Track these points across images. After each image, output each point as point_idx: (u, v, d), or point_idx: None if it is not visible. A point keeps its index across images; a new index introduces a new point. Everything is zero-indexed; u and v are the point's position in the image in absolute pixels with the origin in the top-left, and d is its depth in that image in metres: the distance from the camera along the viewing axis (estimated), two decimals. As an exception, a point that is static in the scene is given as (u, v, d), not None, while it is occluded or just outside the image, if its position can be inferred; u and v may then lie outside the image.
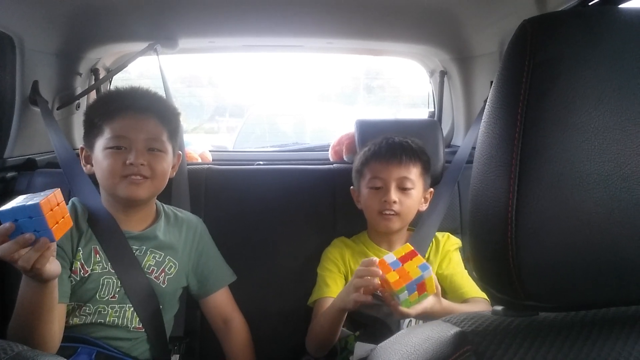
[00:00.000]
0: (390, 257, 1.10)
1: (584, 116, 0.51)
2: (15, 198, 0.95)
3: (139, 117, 1.30)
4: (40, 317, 1.06)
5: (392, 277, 1.07)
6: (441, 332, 0.58)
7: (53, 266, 0.99)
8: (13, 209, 0.91)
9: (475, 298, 1.34)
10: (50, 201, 0.93)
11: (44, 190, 0.97)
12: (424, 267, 1.07)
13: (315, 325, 1.36)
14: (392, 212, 1.39)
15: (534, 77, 0.52)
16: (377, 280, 1.10)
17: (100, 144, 1.29)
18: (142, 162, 1.26)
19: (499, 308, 0.61)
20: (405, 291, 1.07)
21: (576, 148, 0.51)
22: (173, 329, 1.42)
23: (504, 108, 0.54)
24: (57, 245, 1.18)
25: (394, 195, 1.39)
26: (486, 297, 1.34)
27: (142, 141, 1.28)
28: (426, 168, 1.47)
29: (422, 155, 1.46)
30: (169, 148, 1.34)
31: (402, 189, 1.40)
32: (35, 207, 0.90)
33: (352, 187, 1.54)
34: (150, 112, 1.31)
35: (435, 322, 0.64)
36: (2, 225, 0.92)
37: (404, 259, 1.09)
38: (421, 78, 2.37)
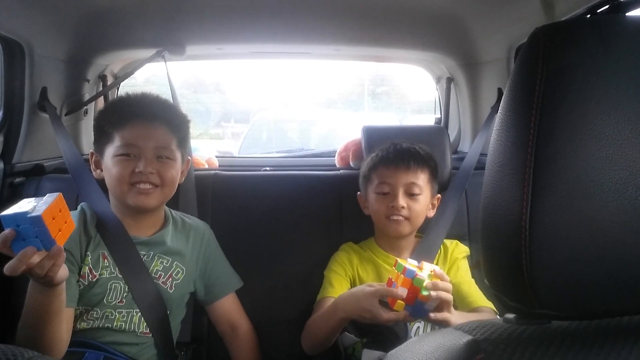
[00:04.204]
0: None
1: (599, 124, 0.50)
2: (20, 201, 0.95)
3: (148, 125, 1.30)
4: (48, 320, 1.06)
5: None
6: (453, 340, 0.58)
7: (62, 271, 0.99)
8: (16, 215, 0.90)
9: (482, 307, 1.34)
10: (52, 210, 0.92)
11: None
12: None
13: (312, 323, 1.36)
14: (401, 217, 1.38)
15: (548, 84, 0.52)
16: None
17: (110, 151, 1.29)
18: (151, 171, 1.26)
19: (510, 316, 0.60)
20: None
21: (591, 156, 0.50)
22: (180, 335, 1.42)
23: (516, 115, 0.54)
24: (66, 250, 1.19)
25: (402, 200, 1.38)
26: (493, 306, 1.34)
27: (151, 149, 1.28)
28: (434, 174, 1.47)
29: (429, 162, 1.46)
30: (178, 155, 1.34)
31: (410, 195, 1.40)
32: (38, 219, 0.89)
33: (359, 192, 1.54)
34: (160, 120, 1.32)
35: (446, 329, 0.63)
36: (3, 233, 0.91)
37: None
38: (427, 84, 2.37)
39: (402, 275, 1.11)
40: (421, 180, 1.42)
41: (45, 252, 0.92)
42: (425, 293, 1.09)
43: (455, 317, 1.14)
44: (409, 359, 0.61)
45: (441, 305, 1.13)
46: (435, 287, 1.11)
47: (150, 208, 1.31)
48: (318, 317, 1.35)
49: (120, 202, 1.31)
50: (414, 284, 1.10)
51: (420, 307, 1.12)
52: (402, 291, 1.10)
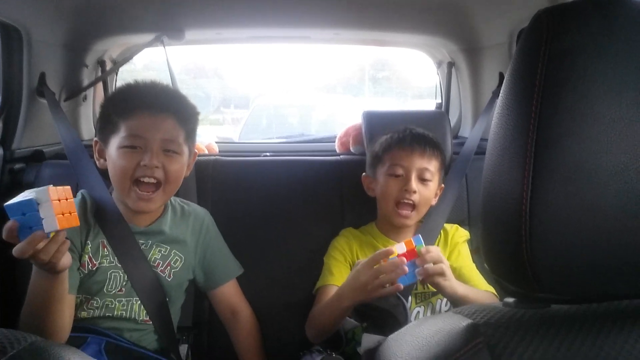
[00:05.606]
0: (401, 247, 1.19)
1: (601, 107, 0.50)
2: (22, 192, 0.95)
3: (156, 116, 1.25)
4: (51, 307, 1.07)
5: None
6: (453, 324, 0.58)
7: (66, 258, 1.00)
8: (21, 202, 0.91)
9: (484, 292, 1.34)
10: (58, 191, 0.93)
11: (52, 181, 0.98)
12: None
13: (318, 314, 1.36)
14: (411, 202, 1.38)
15: (550, 67, 0.51)
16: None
17: (115, 141, 1.25)
18: (156, 165, 1.22)
19: (510, 300, 0.61)
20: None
21: (592, 139, 0.50)
22: (181, 320, 1.43)
23: (518, 99, 0.54)
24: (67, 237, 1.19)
25: (415, 184, 1.38)
26: (494, 290, 1.34)
27: (158, 142, 1.24)
28: (443, 163, 1.47)
29: (441, 151, 1.47)
30: (185, 149, 1.31)
31: (422, 180, 1.40)
32: (44, 191, 0.90)
33: (364, 173, 1.53)
34: (169, 112, 1.27)
35: (446, 313, 0.64)
36: (7, 224, 0.93)
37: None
38: (428, 69, 2.36)
39: (411, 239, 1.18)
40: (433, 166, 1.42)
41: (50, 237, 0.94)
42: (420, 249, 1.17)
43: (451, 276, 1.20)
44: (408, 342, 0.62)
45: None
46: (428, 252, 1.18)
47: (151, 211, 1.30)
48: (323, 307, 1.35)
49: (122, 199, 1.29)
50: (415, 247, 1.17)
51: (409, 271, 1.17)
52: (401, 247, 1.17)
